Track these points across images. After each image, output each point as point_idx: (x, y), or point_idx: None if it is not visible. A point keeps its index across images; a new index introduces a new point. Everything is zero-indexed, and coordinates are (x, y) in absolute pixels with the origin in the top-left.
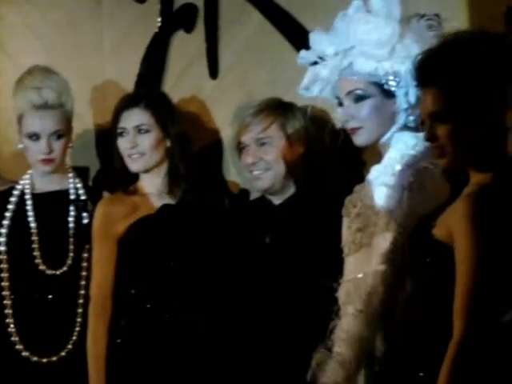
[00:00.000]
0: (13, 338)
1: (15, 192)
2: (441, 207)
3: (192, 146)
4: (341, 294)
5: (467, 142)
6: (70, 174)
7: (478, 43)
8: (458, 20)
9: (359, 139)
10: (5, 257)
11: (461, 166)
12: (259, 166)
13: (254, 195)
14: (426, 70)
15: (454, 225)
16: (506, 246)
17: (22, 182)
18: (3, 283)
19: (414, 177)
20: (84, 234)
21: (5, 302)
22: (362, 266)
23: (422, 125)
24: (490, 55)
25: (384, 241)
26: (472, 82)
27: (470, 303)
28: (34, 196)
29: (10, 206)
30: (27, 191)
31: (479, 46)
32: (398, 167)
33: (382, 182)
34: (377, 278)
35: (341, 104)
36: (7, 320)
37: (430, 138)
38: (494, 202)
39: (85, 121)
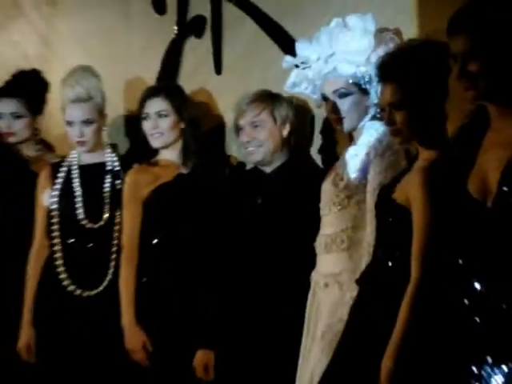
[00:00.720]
0: (61, 276)
1: (64, 164)
2: (397, 177)
3: (201, 128)
4: (318, 245)
5: (417, 125)
6: (108, 150)
7: (426, 49)
8: (410, 34)
9: (344, 127)
10: (56, 213)
11: (410, 144)
12: (253, 144)
13: (249, 166)
14: (386, 69)
15: (410, 192)
16: (449, 206)
17: (70, 156)
18: (54, 233)
19: (393, 156)
20: (117, 197)
21: (55, 248)
22: (340, 224)
23: (382, 112)
24: (434, 58)
25: (372, 204)
26: (421, 79)
27: (424, 248)
28: (80, 167)
29: (61, 175)
30: (74, 163)
31: (427, 51)
32: (377, 149)
33: (358, 160)
34: (368, 230)
35: (325, 99)
36: (57, 262)
37: (389, 122)
38: (441, 174)
39: (118, 108)
